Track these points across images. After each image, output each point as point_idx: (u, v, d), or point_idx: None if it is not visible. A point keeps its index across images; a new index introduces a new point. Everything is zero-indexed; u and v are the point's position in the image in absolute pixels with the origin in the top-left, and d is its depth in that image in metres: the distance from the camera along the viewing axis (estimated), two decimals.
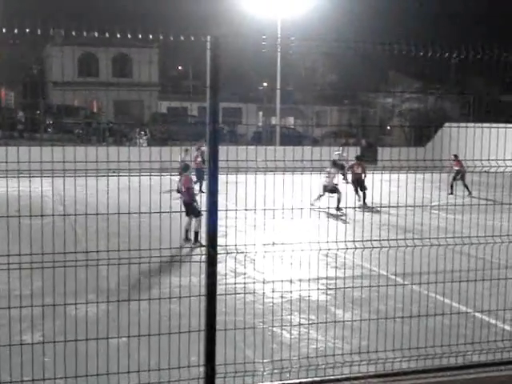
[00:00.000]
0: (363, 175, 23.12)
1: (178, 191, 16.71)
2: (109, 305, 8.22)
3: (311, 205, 20.26)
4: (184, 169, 16.00)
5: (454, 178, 25.61)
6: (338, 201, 21.12)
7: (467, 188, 25.31)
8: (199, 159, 23.53)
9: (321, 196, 21.53)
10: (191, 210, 15.47)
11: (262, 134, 51.76)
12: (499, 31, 50.72)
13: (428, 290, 10.45)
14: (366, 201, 22.33)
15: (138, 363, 6.06)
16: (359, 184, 23.21)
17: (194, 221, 15.53)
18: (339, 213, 20.11)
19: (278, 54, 40.09)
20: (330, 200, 20.41)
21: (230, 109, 57.75)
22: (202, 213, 13.56)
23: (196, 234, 15.30)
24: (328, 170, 21.90)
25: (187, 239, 15.28)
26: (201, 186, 22.25)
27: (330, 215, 16.60)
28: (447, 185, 25.14)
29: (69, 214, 11.35)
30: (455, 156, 22.78)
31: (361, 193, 22.86)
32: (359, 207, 21.30)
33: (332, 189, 21.83)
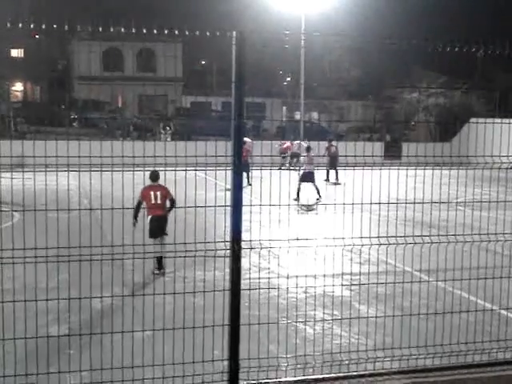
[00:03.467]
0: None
1: (139, 205, 12.02)
2: (134, 298, 8.29)
3: (295, 200, 20.26)
4: (155, 177, 12.29)
5: None
6: (317, 189, 21.61)
7: None
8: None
9: (299, 191, 21.59)
10: (163, 228, 11.96)
11: (285, 128, 51.68)
12: None
13: (453, 286, 10.37)
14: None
15: (163, 357, 6.10)
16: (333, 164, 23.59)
17: (161, 244, 11.90)
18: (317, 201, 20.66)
19: (301, 49, 39.97)
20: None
21: (254, 103, 57.71)
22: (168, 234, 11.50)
23: (160, 259, 11.88)
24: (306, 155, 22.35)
25: (160, 267, 11.88)
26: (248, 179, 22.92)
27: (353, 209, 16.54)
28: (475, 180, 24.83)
29: (95, 209, 11.44)
30: None
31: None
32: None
33: (311, 177, 21.90)
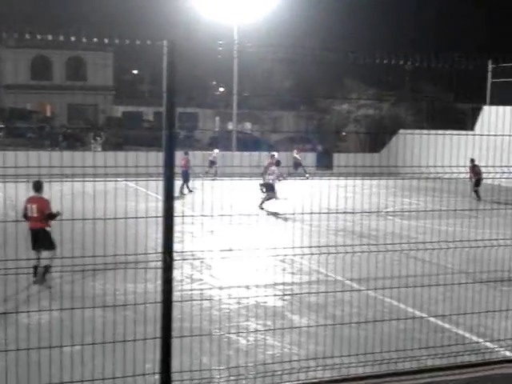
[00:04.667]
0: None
1: (25, 216, 11.71)
2: (62, 312, 8.09)
3: (261, 209, 20.65)
4: (37, 188, 11.56)
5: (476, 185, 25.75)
6: (268, 199, 21.88)
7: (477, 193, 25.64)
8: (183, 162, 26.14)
9: (264, 198, 22.32)
10: (42, 239, 11.53)
11: (218, 139, 51.71)
12: (453, 40, 51.74)
13: (383, 295, 10.55)
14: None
15: (93, 371, 5.96)
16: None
17: (46, 253, 11.52)
18: (260, 210, 20.92)
19: (234, 60, 40.15)
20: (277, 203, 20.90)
21: (187, 113, 57.57)
22: (56, 244, 11.07)
23: (46, 268, 11.32)
24: (273, 168, 22.56)
25: (36, 275, 11.16)
26: (187, 187, 26.03)
27: (286, 219, 16.66)
28: (470, 191, 25.41)
29: (21, 220, 11.13)
30: (472, 160, 21.90)
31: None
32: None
33: (269, 186, 22.32)
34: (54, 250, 11.32)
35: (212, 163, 32.30)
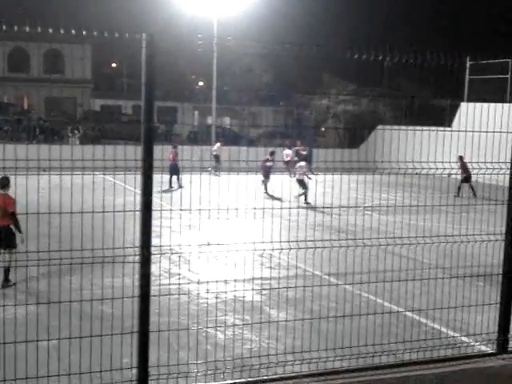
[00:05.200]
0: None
1: None
2: (39, 306, 8.03)
3: (307, 204, 21.31)
4: (3, 184, 11.27)
5: (464, 181, 26.00)
6: (305, 194, 23.10)
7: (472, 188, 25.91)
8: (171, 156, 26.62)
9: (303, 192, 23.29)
10: (5, 238, 11.07)
11: (197, 133, 51.60)
12: (434, 36, 52.06)
13: (360, 289, 10.61)
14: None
15: (69, 366, 5.93)
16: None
17: (6, 255, 11.27)
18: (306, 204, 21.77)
19: (214, 54, 40.05)
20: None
21: (166, 107, 57.37)
22: (19, 244, 10.83)
23: (6, 271, 11.26)
24: (301, 164, 24.28)
25: (7, 280, 11.24)
26: (178, 180, 25.65)
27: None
28: (455, 187, 25.73)
29: None
30: (460, 158, 21.88)
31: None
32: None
33: (300, 182, 23.61)
34: (13, 249, 10.98)
35: (217, 157, 32.22)
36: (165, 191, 20.93)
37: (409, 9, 61.04)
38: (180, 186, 24.57)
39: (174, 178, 26.24)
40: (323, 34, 49.20)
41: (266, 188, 25.18)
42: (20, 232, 10.76)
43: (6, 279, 11.25)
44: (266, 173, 25.48)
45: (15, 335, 5.76)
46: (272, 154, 27.03)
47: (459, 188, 26.29)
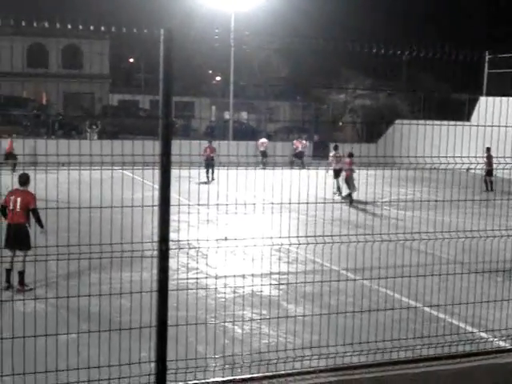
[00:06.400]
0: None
1: (3, 209, 11.28)
2: (58, 300, 8.09)
3: (343, 198, 21.48)
4: (23, 182, 11.26)
5: (488, 174, 25.82)
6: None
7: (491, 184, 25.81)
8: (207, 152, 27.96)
9: (338, 186, 23.21)
10: (20, 238, 10.95)
11: (214, 128, 51.61)
12: (450, 30, 51.65)
13: (378, 284, 10.58)
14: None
15: (88, 360, 5.97)
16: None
17: (20, 257, 11.03)
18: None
19: (231, 48, 40.00)
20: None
21: (183, 103, 57.42)
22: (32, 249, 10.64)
23: (21, 274, 11.03)
24: (333, 154, 24.31)
25: (8, 282, 10.93)
26: (212, 174, 26.99)
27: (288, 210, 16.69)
28: (481, 182, 25.49)
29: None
30: (488, 149, 21.35)
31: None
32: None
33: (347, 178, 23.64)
34: (28, 251, 10.83)
35: (264, 153, 32.49)
36: (202, 183, 21.04)
37: (430, 4, 60.57)
38: (212, 179, 26.05)
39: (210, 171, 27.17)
40: (340, 29, 48.95)
41: (339, 188, 23.52)
42: (41, 227, 10.75)
43: (22, 283, 11.02)
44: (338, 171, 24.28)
45: (35, 329, 5.81)
46: (336, 148, 25.92)
47: (485, 182, 26.05)
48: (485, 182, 26.10)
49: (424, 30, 51.32)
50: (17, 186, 11.31)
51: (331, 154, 25.36)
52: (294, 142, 37.37)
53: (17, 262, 10.99)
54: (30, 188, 11.26)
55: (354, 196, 21.00)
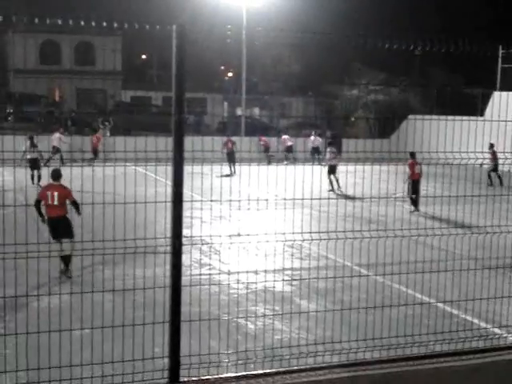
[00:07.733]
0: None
1: (38, 204, 11.61)
2: (72, 296, 8.13)
3: (340, 192, 21.46)
4: (56, 177, 11.88)
5: (493, 170, 26.01)
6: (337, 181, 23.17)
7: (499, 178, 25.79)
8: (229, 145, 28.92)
9: (334, 181, 23.25)
10: (64, 227, 11.40)
11: (227, 124, 51.62)
12: (464, 25, 51.33)
13: (391, 280, 10.56)
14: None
15: (102, 355, 6.00)
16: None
17: (66, 244, 11.31)
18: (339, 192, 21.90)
19: (243, 44, 39.97)
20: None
21: (195, 99, 57.47)
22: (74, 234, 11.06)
23: (67, 259, 11.28)
24: (329, 150, 24.51)
25: (67, 270, 11.33)
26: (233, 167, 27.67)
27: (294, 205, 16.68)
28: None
29: (29, 205, 11.17)
30: (491, 145, 20.85)
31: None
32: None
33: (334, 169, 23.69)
34: (73, 238, 11.27)
35: (289, 149, 32.59)
36: (224, 176, 21.10)
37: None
38: (234, 172, 26.75)
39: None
40: (353, 24, 48.78)
41: (332, 184, 23.76)
42: (79, 214, 11.20)
43: (67, 267, 11.35)
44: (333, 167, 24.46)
45: (49, 325, 5.85)
46: (330, 144, 26.69)
47: (490, 177, 26.09)
48: (489, 177, 26.12)
49: (434, 24, 51.04)
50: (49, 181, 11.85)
51: (328, 149, 25.27)
52: (283, 137, 36.27)
53: (65, 250, 11.32)
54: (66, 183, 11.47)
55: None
